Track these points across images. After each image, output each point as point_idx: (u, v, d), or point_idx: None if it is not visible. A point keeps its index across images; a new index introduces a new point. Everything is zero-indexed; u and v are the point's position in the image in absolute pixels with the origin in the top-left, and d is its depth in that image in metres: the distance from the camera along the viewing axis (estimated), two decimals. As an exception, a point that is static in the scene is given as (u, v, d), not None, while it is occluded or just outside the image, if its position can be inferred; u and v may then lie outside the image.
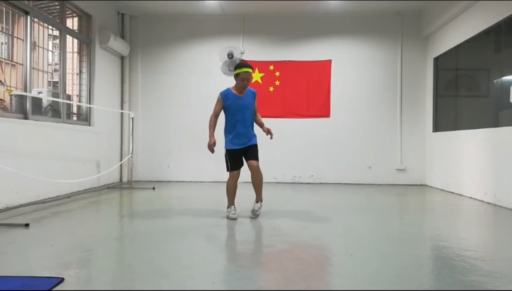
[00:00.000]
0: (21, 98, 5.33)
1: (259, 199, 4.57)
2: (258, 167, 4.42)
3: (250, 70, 4.34)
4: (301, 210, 5.08)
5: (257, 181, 4.49)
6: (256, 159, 4.44)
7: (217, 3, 7.57)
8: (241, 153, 4.44)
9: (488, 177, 5.70)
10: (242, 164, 4.48)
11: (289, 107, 8.08)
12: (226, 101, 4.40)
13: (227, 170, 4.47)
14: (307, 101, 8.10)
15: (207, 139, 4.43)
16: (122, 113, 8.23)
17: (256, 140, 4.50)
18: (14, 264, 2.71)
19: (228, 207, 4.51)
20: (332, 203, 5.84)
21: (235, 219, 4.34)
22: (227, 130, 4.47)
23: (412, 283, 2.42)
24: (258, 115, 4.68)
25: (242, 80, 4.33)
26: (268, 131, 4.52)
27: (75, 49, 7.00)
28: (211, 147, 4.37)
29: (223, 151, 4.52)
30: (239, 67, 4.34)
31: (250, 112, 4.48)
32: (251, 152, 4.42)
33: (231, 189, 4.51)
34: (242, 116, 4.40)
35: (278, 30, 8.25)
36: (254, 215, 4.45)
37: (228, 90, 4.45)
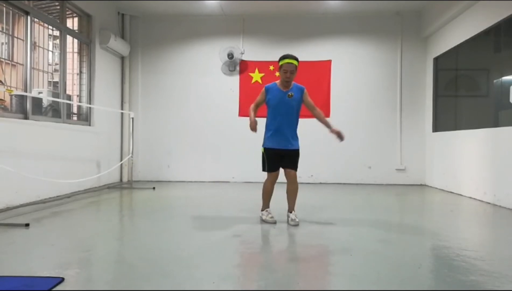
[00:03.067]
0: (21, 98, 5.33)
1: (292, 208, 4.18)
2: (295, 177, 4.12)
3: (293, 61, 4.01)
4: (301, 210, 5.08)
5: (293, 191, 4.16)
6: (294, 168, 4.11)
7: (217, 3, 7.57)
8: (279, 155, 4.08)
9: (488, 177, 5.70)
10: (279, 167, 4.12)
11: (289, 107, 8.06)
12: (268, 94, 4.11)
13: (263, 170, 4.17)
14: (307, 101, 8.09)
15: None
16: (122, 113, 8.24)
17: (298, 145, 4.13)
18: (14, 264, 2.72)
19: (262, 210, 4.26)
20: (332, 203, 5.84)
21: (274, 222, 4.08)
22: (267, 127, 4.15)
23: (412, 283, 2.43)
24: (319, 113, 4.19)
25: (285, 72, 4.01)
26: (337, 134, 4.07)
27: (75, 49, 7.00)
28: (253, 124, 3.91)
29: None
30: (282, 59, 4.05)
31: (294, 111, 4.11)
32: (290, 159, 4.09)
33: (268, 191, 4.20)
34: (285, 113, 4.06)
35: (278, 30, 8.25)
36: (295, 222, 4.03)
37: (273, 84, 4.17)
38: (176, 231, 3.84)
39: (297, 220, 4.08)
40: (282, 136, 4.07)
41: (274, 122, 4.09)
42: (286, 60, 4.02)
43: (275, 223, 4.10)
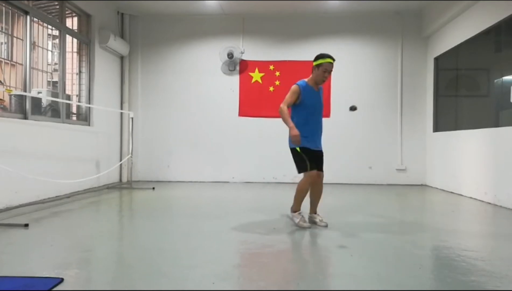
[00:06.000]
0: (21, 98, 5.33)
1: (315, 210, 4.15)
2: (322, 179, 4.10)
3: (333, 61, 3.90)
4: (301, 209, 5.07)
5: (320, 192, 4.13)
6: (322, 170, 4.08)
7: (217, 3, 7.56)
8: (314, 155, 3.95)
9: (488, 177, 5.69)
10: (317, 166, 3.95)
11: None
12: (302, 94, 3.87)
13: (301, 171, 3.94)
14: (307, 101, 8.09)
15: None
16: (122, 113, 8.23)
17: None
18: (14, 264, 2.71)
19: (295, 211, 4.04)
20: (332, 203, 5.83)
21: (309, 227, 3.91)
22: (299, 128, 3.84)
23: (412, 283, 2.42)
24: None
25: (324, 71, 3.86)
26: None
27: (75, 49, 7.00)
28: (298, 137, 3.74)
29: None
30: (322, 58, 3.86)
31: (322, 111, 4.06)
32: (320, 161, 4.04)
33: (305, 192, 4.00)
34: (318, 115, 3.97)
35: (278, 30, 8.24)
36: (326, 223, 3.99)
37: (303, 82, 3.94)
38: (176, 231, 3.83)
39: (324, 220, 4.05)
40: (314, 138, 3.97)
41: (308, 124, 3.91)
42: (328, 60, 3.86)
43: (310, 227, 3.92)
